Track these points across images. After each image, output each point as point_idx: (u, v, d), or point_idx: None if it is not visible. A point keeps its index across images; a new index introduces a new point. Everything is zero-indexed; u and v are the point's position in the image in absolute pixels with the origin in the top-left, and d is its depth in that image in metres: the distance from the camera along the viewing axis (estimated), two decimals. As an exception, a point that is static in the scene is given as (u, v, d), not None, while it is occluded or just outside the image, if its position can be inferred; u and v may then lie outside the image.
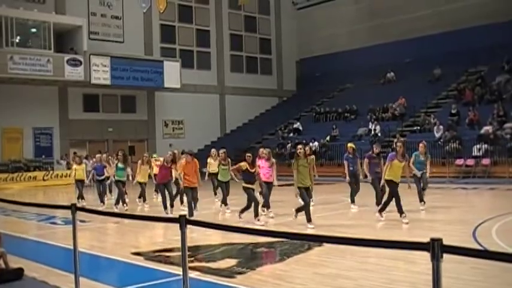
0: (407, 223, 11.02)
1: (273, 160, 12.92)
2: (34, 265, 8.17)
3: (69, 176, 22.86)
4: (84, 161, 28.93)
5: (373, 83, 35.54)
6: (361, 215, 12.73)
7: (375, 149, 13.14)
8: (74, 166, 18.13)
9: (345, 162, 14.16)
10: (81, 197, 17.27)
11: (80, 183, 17.62)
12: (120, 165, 15.66)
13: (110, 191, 18.45)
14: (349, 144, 14.47)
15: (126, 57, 32.22)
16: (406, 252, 6.52)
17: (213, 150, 16.33)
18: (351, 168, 14.00)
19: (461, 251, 3.12)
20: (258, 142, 34.49)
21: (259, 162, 12.68)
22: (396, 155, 11.56)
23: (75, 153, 30.57)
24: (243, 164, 11.96)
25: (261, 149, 13.20)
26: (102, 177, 16.83)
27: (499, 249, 7.92)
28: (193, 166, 12.88)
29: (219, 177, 14.78)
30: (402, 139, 12.88)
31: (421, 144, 13.86)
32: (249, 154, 12.25)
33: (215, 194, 16.73)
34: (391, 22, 36.67)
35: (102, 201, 16.39)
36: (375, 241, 3.99)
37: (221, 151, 15.02)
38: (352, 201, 13.82)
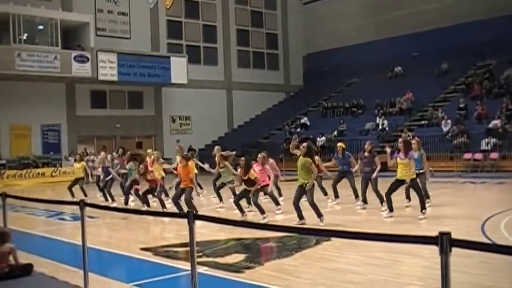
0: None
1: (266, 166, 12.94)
2: (43, 261, 8.22)
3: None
4: (92, 157, 29.12)
5: (381, 78, 35.46)
6: (368, 210, 12.71)
7: (366, 146, 13.15)
8: (74, 164, 18.27)
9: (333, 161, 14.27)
10: (83, 193, 17.23)
11: (79, 181, 17.66)
12: (128, 166, 15.61)
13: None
14: (339, 144, 14.51)
15: (133, 54, 32.26)
16: (414, 246, 6.52)
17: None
18: (340, 168, 14.09)
19: (469, 245, 3.11)
20: (265, 137, 34.53)
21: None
22: (399, 152, 11.53)
23: (85, 149, 30.79)
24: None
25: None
26: (109, 177, 16.81)
27: (508, 243, 7.89)
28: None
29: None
30: (404, 135, 12.67)
31: (413, 141, 13.62)
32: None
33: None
34: (398, 16, 36.52)
35: (113, 199, 16.33)
36: (384, 235, 3.99)
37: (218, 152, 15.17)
38: (358, 197, 13.73)
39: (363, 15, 38.98)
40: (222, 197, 14.75)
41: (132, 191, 15.47)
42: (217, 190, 14.92)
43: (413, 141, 13.42)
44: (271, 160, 13.98)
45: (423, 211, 11.11)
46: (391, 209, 11.43)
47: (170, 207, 13.94)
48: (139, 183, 15.25)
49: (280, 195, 14.99)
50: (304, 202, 11.07)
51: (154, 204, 14.99)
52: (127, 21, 34.26)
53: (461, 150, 23.69)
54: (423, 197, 11.46)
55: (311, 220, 10.80)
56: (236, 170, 13.67)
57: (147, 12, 34.02)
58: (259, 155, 12.98)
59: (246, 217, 11.91)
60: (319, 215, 10.65)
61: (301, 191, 10.85)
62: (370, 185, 12.82)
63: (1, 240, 7.24)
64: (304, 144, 11.10)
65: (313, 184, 10.90)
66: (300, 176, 10.88)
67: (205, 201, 15.88)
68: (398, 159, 11.43)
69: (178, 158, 15.04)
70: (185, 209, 12.08)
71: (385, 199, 11.57)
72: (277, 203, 12.85)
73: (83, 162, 18.43)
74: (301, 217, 10.83)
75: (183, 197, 12.72)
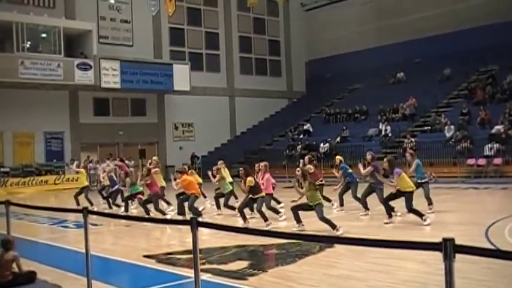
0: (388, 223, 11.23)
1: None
2: (46, 268, 8.22)
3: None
4: (94, 165, 29.17)
5: (383, 84, 35.47)
6: (371, 217, 12.68)
7: (368, 157, 13.12)
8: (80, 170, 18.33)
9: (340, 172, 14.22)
10: (89, 202, 17.23)
11: (84, 189, 17.66)
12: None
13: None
14: (337, 157, 14.47)
15: (136, 61, 32.31)
16: (417, 252, 6.48)
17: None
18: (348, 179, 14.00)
19: (473, 251, 3.10)
20: (268, 144, 34.52)
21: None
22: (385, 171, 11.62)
23: (88, 156, 30.85)
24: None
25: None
26: (115, 188, 16.80)
27: (512, 249, 7.87)
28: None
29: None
30: (387, 158, 12.57)
31: (407, 154, 13.63)
32: None
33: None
34: (400, 22, 36.57)
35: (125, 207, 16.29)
36: (387, 242, 3.98)
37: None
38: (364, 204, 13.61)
39: (364, 22, 39.02)
40: (220, 205, 14.69)
41: (135, 200, 15.48)
42: (216, 198, 14.87)
43: (407, 154, 13.50)
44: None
45: (423, 218, 11.03)
46: (390, 215, 11.42)
47: (173, 214, 13.96)
48: (143, 193, 15.23)
49: (279, 202, 14.81)
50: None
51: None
52: (129, 29, 34.36)
53: (464, 156, 23.63)
54: (412, 209, 11.18)
55: (314, 226, 10.79)
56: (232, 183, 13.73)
57: (150, 20, 34.11)
58: (262, 164, 12.99)
59: (248, 224, 11.91)
60: (333, 227, 10.33)
61: (307, 207, 10.75)
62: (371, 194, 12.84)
63: (5, 248, 7.25)
64: (298, 173, 10.94)
65: (322, 203, 10.82)
66: (308, 198, 10.70)
67: (206, 208, 15.85)
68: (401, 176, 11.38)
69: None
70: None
71: (386, 209, 11.53)
72: (277, 213, 12.82)
73: (83, 170, 18.45)
74: (298, 221, 10.80)
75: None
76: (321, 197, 11.02)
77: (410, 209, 11.16)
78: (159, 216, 13.75)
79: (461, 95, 29.97)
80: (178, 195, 14.30)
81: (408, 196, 11.23)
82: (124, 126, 33.61)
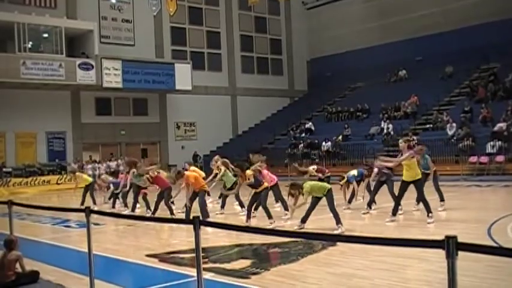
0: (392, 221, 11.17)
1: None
2: (49, 268, 8.23)
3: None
4: (97, 165, 29.25)
5: (385, 82, 35.44)
6: (375, 215, 12.67)
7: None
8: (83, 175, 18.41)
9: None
10: (93, 200, 17.25)
11: (89, 187, 17.70)
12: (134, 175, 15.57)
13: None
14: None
15: (138, 60, 32.35)
16: (421, 250, 6.49)
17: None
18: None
19: (476, 249, 3.10)
20: (270, 143, 34.52)
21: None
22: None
23: (90, 156, 30.94)
24: None
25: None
26: (118, 191, 16.80)
27: (515, 246, 7.85)
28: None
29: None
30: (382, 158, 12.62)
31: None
32: None
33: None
34: (402, 20, 36.51)
35: (126, 205, 16.29)
36: (390, 240, 3.98)
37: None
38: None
39: (366, 20, 38.94)
40: (225, 205, 14.65)
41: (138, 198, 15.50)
42: (223, 197, 14.80)
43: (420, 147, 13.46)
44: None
45: (429, 215, 11.00)
46: (394, 213, 11.36)
47: (177, 213, 13.95)
48: (147, 187, 15.28)
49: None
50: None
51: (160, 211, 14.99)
52: (131, 29, 34.39)
53: (466, 154, 23.62)
54: (425, 200, 11.26)
55: (316, 225, 10.78)
56: (236, 176, 13.55)
57: (151, 19, 34.13)
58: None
59: (250, 223, 11.89)
60: (338, 221, 10.37)
61: (317, 201, 10.79)
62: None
63: (8, 248, 7.26)
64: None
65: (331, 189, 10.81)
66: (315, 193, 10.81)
67: (209, 207, 15.83)
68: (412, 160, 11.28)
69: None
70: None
71: (395, 205, 11.45)
72: (286, 209, 12.79)
73: (86, 176, 18.53)
74: (304, 221, 10.79)
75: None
76: (327, 184, 10.97)
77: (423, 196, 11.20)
78: (167, 212, 13.80)
79: (463, 93, 29.95)
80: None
81: (419, 184, 11.22)
82: (126, 125, 33.65)
